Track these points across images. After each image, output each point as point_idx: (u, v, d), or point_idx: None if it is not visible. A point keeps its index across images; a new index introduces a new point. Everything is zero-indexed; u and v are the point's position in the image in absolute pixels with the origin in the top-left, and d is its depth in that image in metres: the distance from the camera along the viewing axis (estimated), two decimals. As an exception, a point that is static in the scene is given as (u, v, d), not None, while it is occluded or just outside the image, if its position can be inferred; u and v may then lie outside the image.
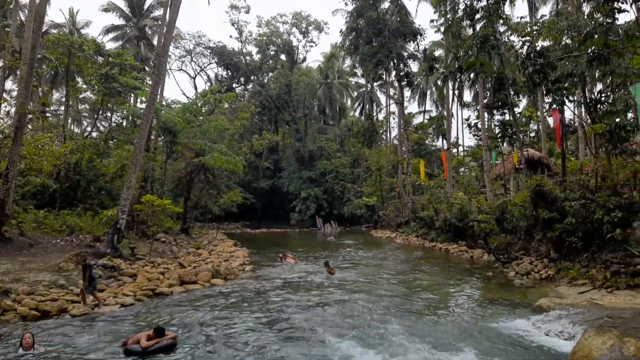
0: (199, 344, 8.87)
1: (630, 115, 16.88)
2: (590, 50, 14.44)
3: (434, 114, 61.43)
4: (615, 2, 14.15)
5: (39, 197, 21.61)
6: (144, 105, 24.99)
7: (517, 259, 18.36)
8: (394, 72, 44.35)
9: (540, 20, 22.73)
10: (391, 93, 56.59)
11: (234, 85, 61.92)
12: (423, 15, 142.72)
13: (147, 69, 41.52)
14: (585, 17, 16.30)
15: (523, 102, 43.97)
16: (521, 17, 24.96)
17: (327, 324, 10.31)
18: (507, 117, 24.93)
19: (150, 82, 26.01)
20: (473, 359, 7.99)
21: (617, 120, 15.49)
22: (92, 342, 8.91)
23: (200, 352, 8.43)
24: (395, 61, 41.66)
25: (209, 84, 59.57)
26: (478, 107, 37.34)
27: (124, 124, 30.53)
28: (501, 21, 24.08)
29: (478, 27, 26.81)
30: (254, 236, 40.62)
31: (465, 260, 22.07)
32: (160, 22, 33.82)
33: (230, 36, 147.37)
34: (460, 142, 59.77)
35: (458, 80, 41.45)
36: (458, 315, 11.45)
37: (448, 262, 21.82)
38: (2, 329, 9.76)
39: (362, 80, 65.87)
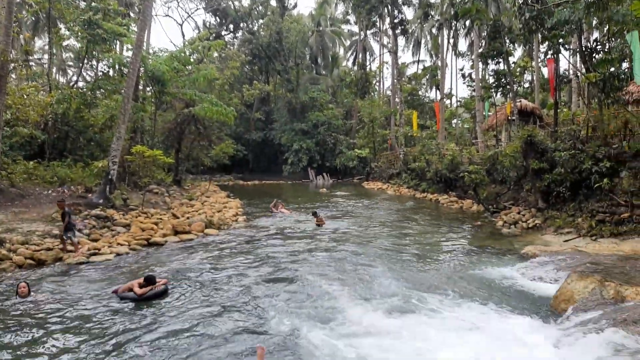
0: (190, 289, 9.09)
1: (624, 64, 16.72)
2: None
3: (428, 64, 60.50)
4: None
5: (28, 148, 21.28)
6: (130, 53, 24.23)
7: (505, 209, 18.71)
8: (387, 19, 43.19)
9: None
10: (385, 42, 55.39)
11: (223, 33, 59.97)
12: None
13: (132, 15, 39.93)
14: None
15: (518, 52, 43.37)
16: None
17: (316, 270, 10.56)
18: (501, 66, 24.59)
19: (135, 29, 25.12)
20: (457, 302, 8.27)
21: (612, 69, 15.37)
22: (87, 289, 9.09)
23: (190, 296, 8.66)
24: (390, 7, 40.48)
25: (196, 31, 57.61)
26: (473, 57, 36.75)
27: (111, 73, 29.62)
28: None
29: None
30: (246, 188, 40.80)
31: (455, 211, 22.46)
32: (144, -35, 32.19)
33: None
34: (453, 93, 59.27)
35: (453, 28, 40.55)
36: (445, 262, 11.77)
37: (438, 212, 22.21)
38: (-1, 276, 9.93)
39: (355, 28, 64.18)
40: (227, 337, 6.74)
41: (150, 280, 8.48)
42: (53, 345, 6.39)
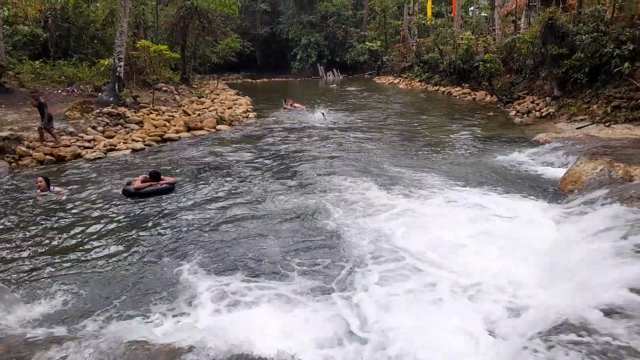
0: (199, 186, 9.03)
1: None
2: None
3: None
4: None
5: (31, 48, 20.87)
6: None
7: (519, 99, 18.34)
8: None
9: None
10: None
11: None
12: None
13: None
14: None
15: None
16: None
17: (328, 161, 10.79)
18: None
19: None
20: (466, 186, 8.47)
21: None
22: (103, 183, 9.30)
23: (196, 195, 8.50)
24: None
25: None
26: None
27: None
28: None
29: None
30: (255, 86, 40.19)
31: (468, 102, 22.12)
32: None
33: None
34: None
35: None
36: (455, 150, 11.88)
37: (450, 104, 21.90)
38: (23, 172, 10.31)
39: None
40: (237, 230, 7.03)
41: (154, 176, 8.37)
42: (61, 237, 6.52)
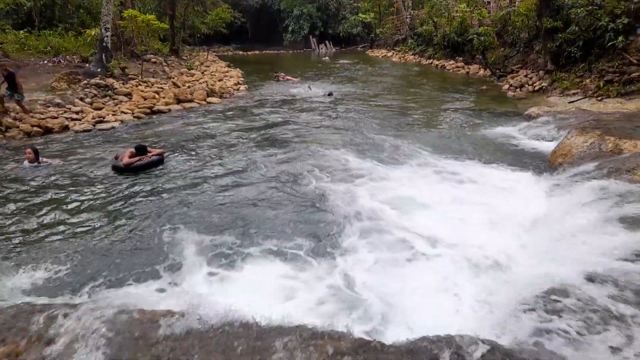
0: (190, 157, 8.99)
1: None
2: None
3: None
4: None
5: (15, 17, 20.31)
6: None
7: (512, 73, 18.26)
8: None
9: None
10: None
11: None
12: None
13: None
14: None
15: None
16: None
17: (318, 131, 10.78)
18: None
19: None
20: (456, 159, 8.49)
21: None
22: (93, 155, 9.16)
23: (185, 165, 8.47)
24: None
25: None
26: None
27: None
28: None
29: None
30: (246, 58, 39.54)
31: (461, 76, 21.99)
32: None
33: None
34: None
35: None
36: (447, 123, 11.87)
37: (443, 78, 21.77)
38: (10, 143, 10.14)
39: None
40: (223, 201, 6.88)
41: (140, 150, 8.19)
42: (48, 209, 6.45)
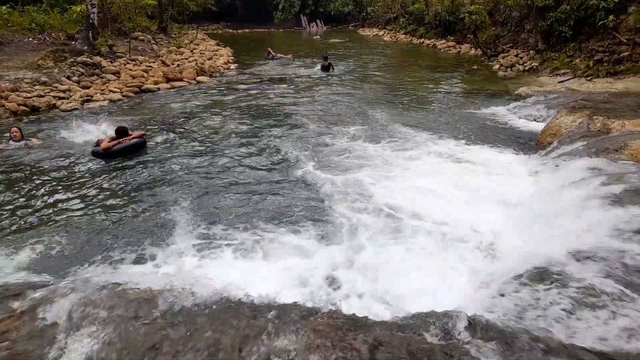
0: (174, 139, 8.87)
1: None
2: None
3: None
4: None
5: (-4, -8, 19.70)
6: None
7: (503, 52, 18.22)
8: None
9: None
10: None
11: None
12: None
13: None
14: None
15: None
16: None
17: (307, 111, 10.74)
18: None
19: None
20: (445, 138, 8.53)
21: None
22: (80, 134, 8.94)
23: (174, 146, 8.40)
24: None
25: None
26: None
27: None
28: None
29: None
30: (236, 36, 38.91)
31: (452, 56, 21.91)
32: None
33: None
34: None
35: None
36: (437, 103, 11.86)
37: (435, 58, 21.67)
38: (-5, 123, 9.98)
39: None
40: (209, 181, 6.97)
41: (120, 133, 7.92)
42: (37, 189, 6.42)
